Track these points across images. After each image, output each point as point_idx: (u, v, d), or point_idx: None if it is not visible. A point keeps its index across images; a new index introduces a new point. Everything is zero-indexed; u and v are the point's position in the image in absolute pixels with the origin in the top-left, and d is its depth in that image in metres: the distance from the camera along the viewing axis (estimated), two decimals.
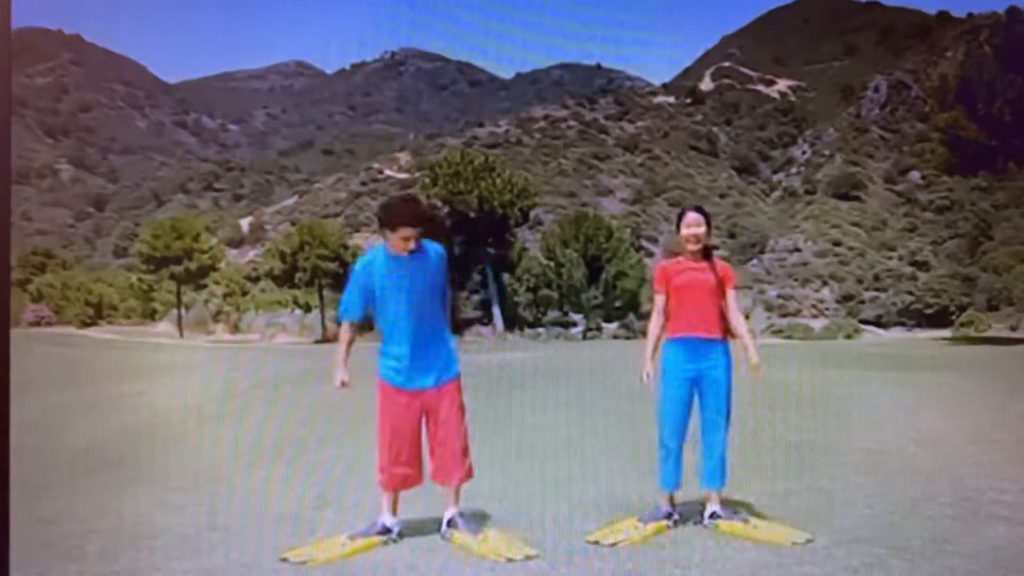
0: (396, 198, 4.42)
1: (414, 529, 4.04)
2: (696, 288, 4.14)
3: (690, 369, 4.12)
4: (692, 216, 4.22)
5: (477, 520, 4.05)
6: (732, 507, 4.22)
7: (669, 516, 4.14)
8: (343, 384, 4.01)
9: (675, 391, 4.14)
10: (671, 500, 4.19)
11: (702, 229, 4.17)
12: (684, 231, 4.21)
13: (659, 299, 4.26)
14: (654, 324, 4.27)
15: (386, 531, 3.92)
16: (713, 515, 4.08)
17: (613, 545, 3.86)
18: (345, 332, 4.06)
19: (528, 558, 3.67)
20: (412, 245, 3.88)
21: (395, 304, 3.92)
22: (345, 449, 6.24)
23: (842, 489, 4.85)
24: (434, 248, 4.03)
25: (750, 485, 4.91)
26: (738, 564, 3.59)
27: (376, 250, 4.01)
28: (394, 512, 3.97)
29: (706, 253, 4.22)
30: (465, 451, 3.98)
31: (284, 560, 3.69)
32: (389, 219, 3.90)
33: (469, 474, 4.01)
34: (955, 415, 7.95)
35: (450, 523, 3.95)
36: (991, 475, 5.17)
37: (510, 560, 3.65)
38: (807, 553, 3.69)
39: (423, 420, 3.97)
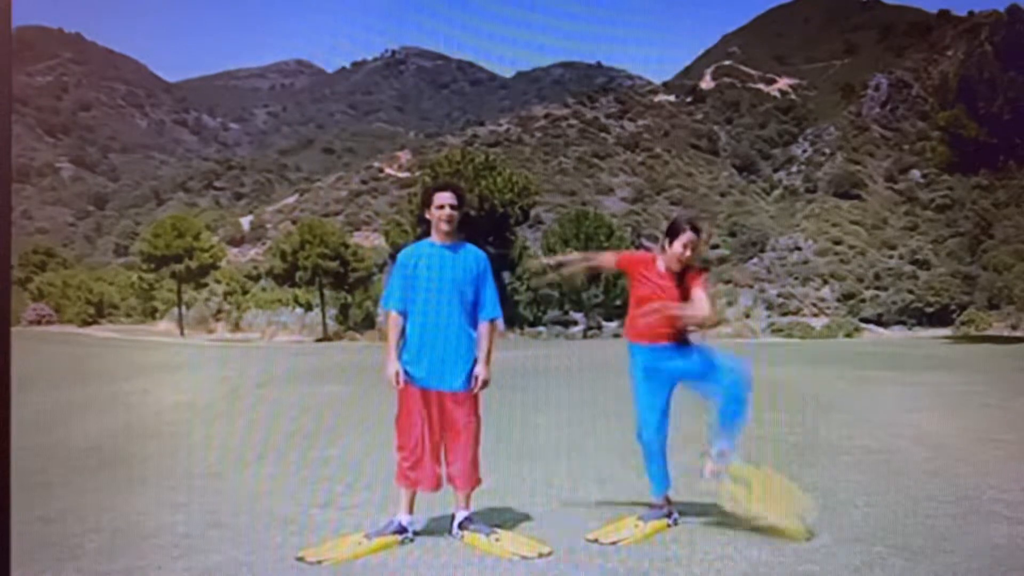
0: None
1: (428, 529, 4.05)
2: (654, 299, 4.00)
3: (658, 370, 4.05)
4: (689, 235, 3.98)
5: (489, 520, 4.05)
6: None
7: (669, 515, 4.13)
8: (397, 377, 3.93)
9: (647, 394, 4.08)
10: (668, 501, 4.17)
11: (695, 252, 3.98)
12: (676, 247, 3.98)
13: (617, 264, 4.24)
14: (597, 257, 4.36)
15: (402, 530, 3.91)
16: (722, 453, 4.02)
17: (612, 544, 3.86)
18: (391, 323, 4.00)
19: (541, 556, 3.68)
20: (451, 213, 3.95)
21: (423, 292, 3.94)
22: (347, 448, 6.24)
23: (842, 488, 4.85)
24: (474, 250, 4.05)
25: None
26: (738, 563, 3.59)
27: (419, 243, 4.08)
28: (410, 511, 3.97)
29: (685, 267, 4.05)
30: (476, 463, 3.99)
31: (300, 559, 3.68)
32: (427, 194, 4.06)
33: (478, 482, 4.04)
34: (955, 414, 7.95)
35: (461, 525, 3.95)
36: (992, 474, 5.17)
37: (524, 558, 3.66)
38: (808, 552, 3.70)
39: (441, 421, 3.97)
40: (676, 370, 4.05)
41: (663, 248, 4.05)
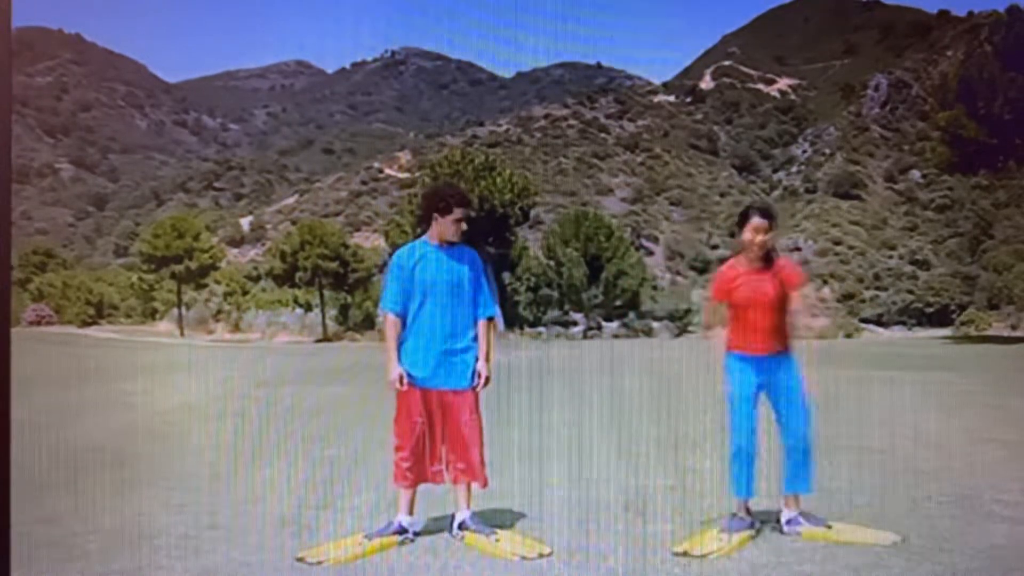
0: (441, 184, 4.53)
1: (428, 529, 4.05)
2: (756, 305, 3.86)
3: (755, 383, 3.93)
4: (756, 220, 3.84)
5: (489, 521, 4.05)
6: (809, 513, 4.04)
7: (751, 525, 3.94)
8: (401, 380, 3.92)
9: (742, 402, 3.96)
10: (747, 508, 3.99)
11: (767, 236, 3.84)
12: (746, 235, 3.85)
13: (718, 308, 3.96)
14: (715, 334, 3.95)
15: (402, 531, 3.91)
16: (791, 521, 3.92)
17: (703, 557, 3.69)
18: (389, 325, 3.98)
19: (542, 556, 3.68)
20: (464, 227, 3.97)
21: (421, 293, 3.94)
22: (346, 448, 6.24)
23: (842, 488, 4.84)
24: (469, 250, 4.07)
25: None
26: (738, 562, 3.60)
27: (414, 243, 4.07)
28: (410, 512, 3.97)
29: (767, 258, 3.90)
30: (483, 459, 3.99)
31: (300, 560, 3.68)
32: (444, 202, 3.98)
33: (485, 483, 4.02)
34: (955, 414, 7.95)
35: (461, 525, 3.95)
36: (991, 474, 5.17)
37: (524, 559, 3.65)
38: (807, 552, 3.70)
39: (442, 421, 3.97)
40: (771, 382, 3.93)
41: (740, 243, 3.94)
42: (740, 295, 3.90)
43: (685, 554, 3.72)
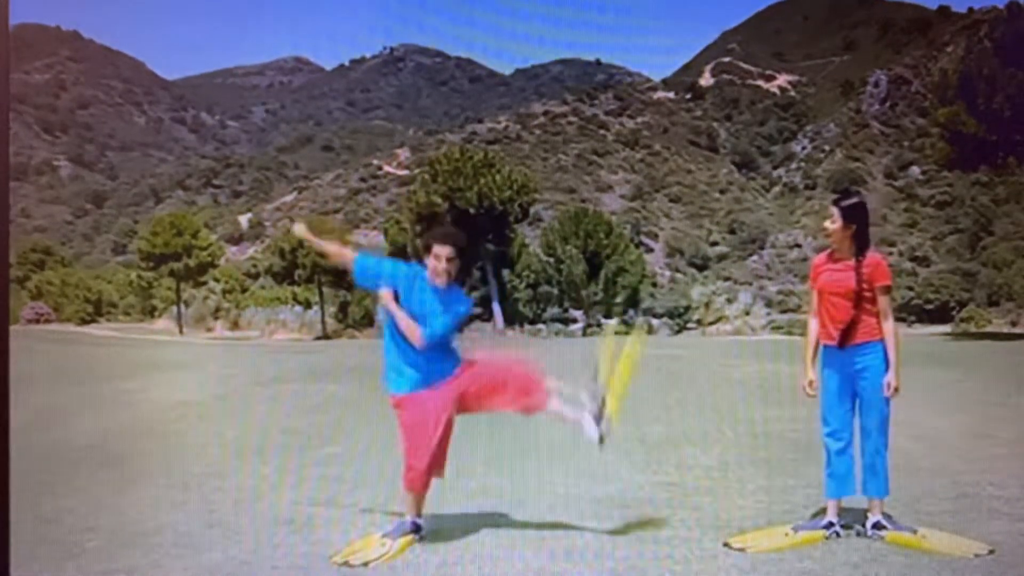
0: (436, 228, 4.43)
1: (428, 528, 4.03)
2: (832, 292, 3.86)
3: (838, 374, 3.93)
4: (830, 210, 3.88)
5: (488, 519, 4.02)
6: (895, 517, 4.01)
7: (829, 526, 3.89)
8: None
9: (831, 394, 3.95)
10: (837, 509, 3.94)
11: (834, 225, 3.83)
12: (824, 223, 3.89)
13: (814, 297, 3.97)
14: (811, 325, 4.00)
15: (417, 529, 3.90)
16: (877, 525, 3.86)
17: (741, 550, 3.68)
18: (389, 296, 3.87)
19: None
20: (445, 266, 3.84)
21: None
22: (345, 446, 6.24)
23: None
24: (462, 298, 4.00)
25: (751, 480, 4.92)
26: (739, 560, 3.60)
27: (419, 269, 3.96)
28: (418, 513, 3.95)
29: (860, 249, 3.84)
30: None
31: (345, 564, 3.61)
32: (428, 242, 3.91)
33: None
34: (955, 411, 7.95)
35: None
36: (991, 471, 5.17)
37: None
38: (808, 549, 3.70)
39: (445, 417, 3.95)
40: (853, 375, 3.91)
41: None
42: (820, 281, 3.93)
43: (739, 549, 3.70)
